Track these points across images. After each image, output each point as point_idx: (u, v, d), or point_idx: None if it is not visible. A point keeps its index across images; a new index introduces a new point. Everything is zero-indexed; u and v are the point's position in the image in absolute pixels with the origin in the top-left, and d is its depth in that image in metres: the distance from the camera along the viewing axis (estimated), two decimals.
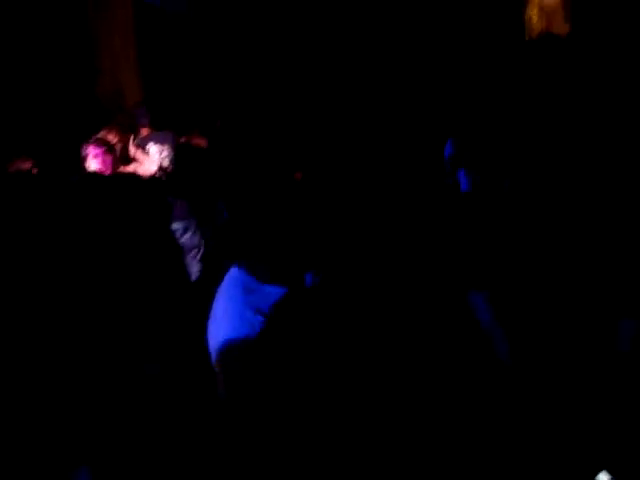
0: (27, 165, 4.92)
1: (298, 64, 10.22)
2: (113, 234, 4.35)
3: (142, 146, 6.04)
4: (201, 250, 5.78)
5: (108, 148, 5.40)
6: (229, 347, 2.14)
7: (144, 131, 6.38)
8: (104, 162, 5.29)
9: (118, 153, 5.80)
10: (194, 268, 5.65)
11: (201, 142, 6.15)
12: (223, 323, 2.17)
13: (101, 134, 6.08)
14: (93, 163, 5.31)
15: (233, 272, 2.27)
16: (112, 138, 6.00)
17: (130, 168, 5.88)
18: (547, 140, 5.72)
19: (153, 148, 6.03)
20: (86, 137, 6.76)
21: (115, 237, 4.37)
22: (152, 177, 5.76)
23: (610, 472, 2.57)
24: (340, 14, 10.79)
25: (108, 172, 5.36)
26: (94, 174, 5.19)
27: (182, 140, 6.23)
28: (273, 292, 2.16)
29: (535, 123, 6.47)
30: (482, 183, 4.19)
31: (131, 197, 5.07)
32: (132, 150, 5.97)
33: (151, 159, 5.87)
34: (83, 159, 5.48)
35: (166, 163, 5.94)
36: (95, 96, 9.05)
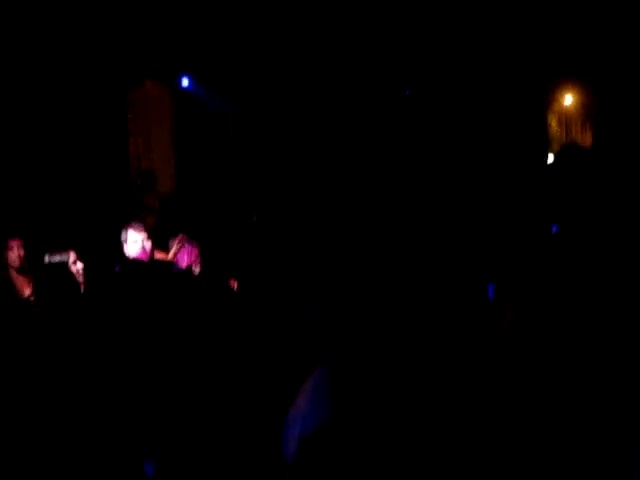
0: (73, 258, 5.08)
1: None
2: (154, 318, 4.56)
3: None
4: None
5: (148, 234, 5.54)
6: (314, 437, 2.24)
7: None
8: (144, 248, 5.44)
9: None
10: None
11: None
12: (308, 417, 2.28)
13: (138, 219, 6.25)
14: (133, 248, 5.44)
15: (322, 371, 2.36)
16: (149, 223, 6.18)
17: (163, 256, 6.03)
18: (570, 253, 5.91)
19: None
20: (121, 217, 6.98)
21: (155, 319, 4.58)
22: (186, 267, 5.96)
23: None
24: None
25: (146, 258, 5.50)
26: (135, 262, 5.36)
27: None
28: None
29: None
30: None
31: (170, 284, 5.27)
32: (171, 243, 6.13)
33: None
34: (123, 242, 5.61)
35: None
36: (129, 176, 9.34)
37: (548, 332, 3.31)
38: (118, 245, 5.70)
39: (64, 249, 5.40)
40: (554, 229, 6.11)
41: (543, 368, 2.99)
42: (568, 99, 14.31)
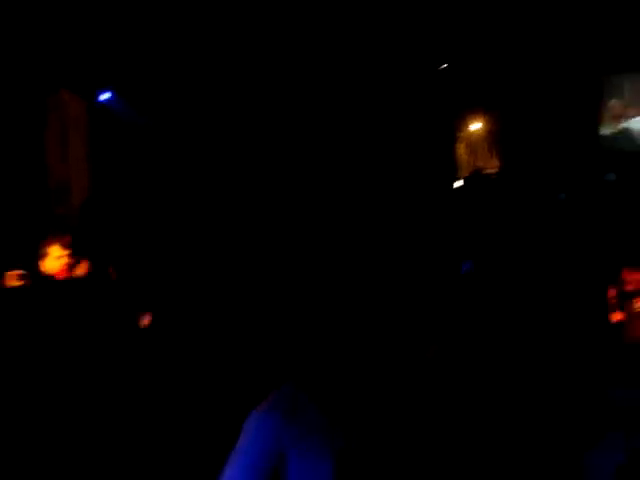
0: None
1: None
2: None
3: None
4: None
5: (70, 251, 5.48)
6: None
7: None
8: (64, 265, 5.40)
9: None
10: None
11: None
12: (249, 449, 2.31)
13: (57, 235, 6.16)
14: (54, 264, 5.39)
15: (287, 388, 2.39)
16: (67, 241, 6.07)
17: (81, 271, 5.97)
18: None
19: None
20: (33, 229, 6.90)
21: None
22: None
23: None
24: None
25: (64, 275, 5.43)
26: (55, 280, 5.32)
27: None
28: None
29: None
30: None
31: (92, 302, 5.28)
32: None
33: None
34: (41, 257, 5.50)
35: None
36: (44, 189, 9.20)
37: (468, 362, 3.54)
38: (33, 259, 5.57)
39: None
40: (466, 265, 6.44)
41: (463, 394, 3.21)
42: (475, 126, 14.79)
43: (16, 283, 5.08)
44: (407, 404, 2.53)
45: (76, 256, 5.70)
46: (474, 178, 12.80)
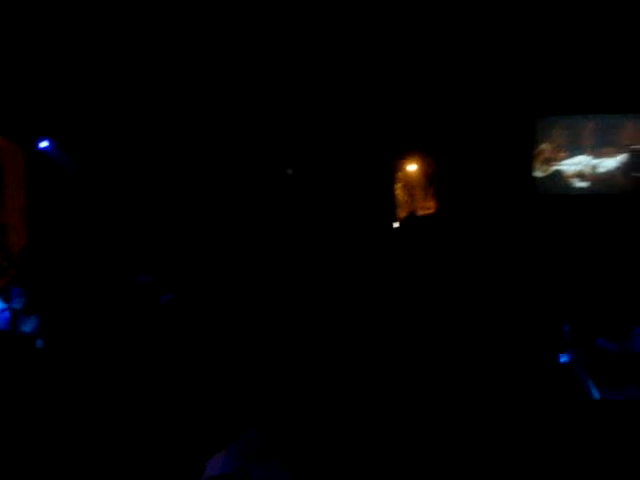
0: None
1: None
2: None
3: None
4: None
5: (14, 303, 5.41)
6: None
7: None
8: (8, 318, 5.31)
9: None
10: None
11: None
12: None
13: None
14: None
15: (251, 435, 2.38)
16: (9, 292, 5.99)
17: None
18: None
19: None
20: None
21: None
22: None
23: None
24: None
25: (7, 328, 5.32)
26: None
27: None
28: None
29: None
30: None
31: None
32: None
33: None
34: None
35: None
36: None
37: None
38: None
39: None
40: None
41: None
42: (412, 167, 15.05)
43: None
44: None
45: (21, 308, 5.60)
46: (410, 220, 13.02)
